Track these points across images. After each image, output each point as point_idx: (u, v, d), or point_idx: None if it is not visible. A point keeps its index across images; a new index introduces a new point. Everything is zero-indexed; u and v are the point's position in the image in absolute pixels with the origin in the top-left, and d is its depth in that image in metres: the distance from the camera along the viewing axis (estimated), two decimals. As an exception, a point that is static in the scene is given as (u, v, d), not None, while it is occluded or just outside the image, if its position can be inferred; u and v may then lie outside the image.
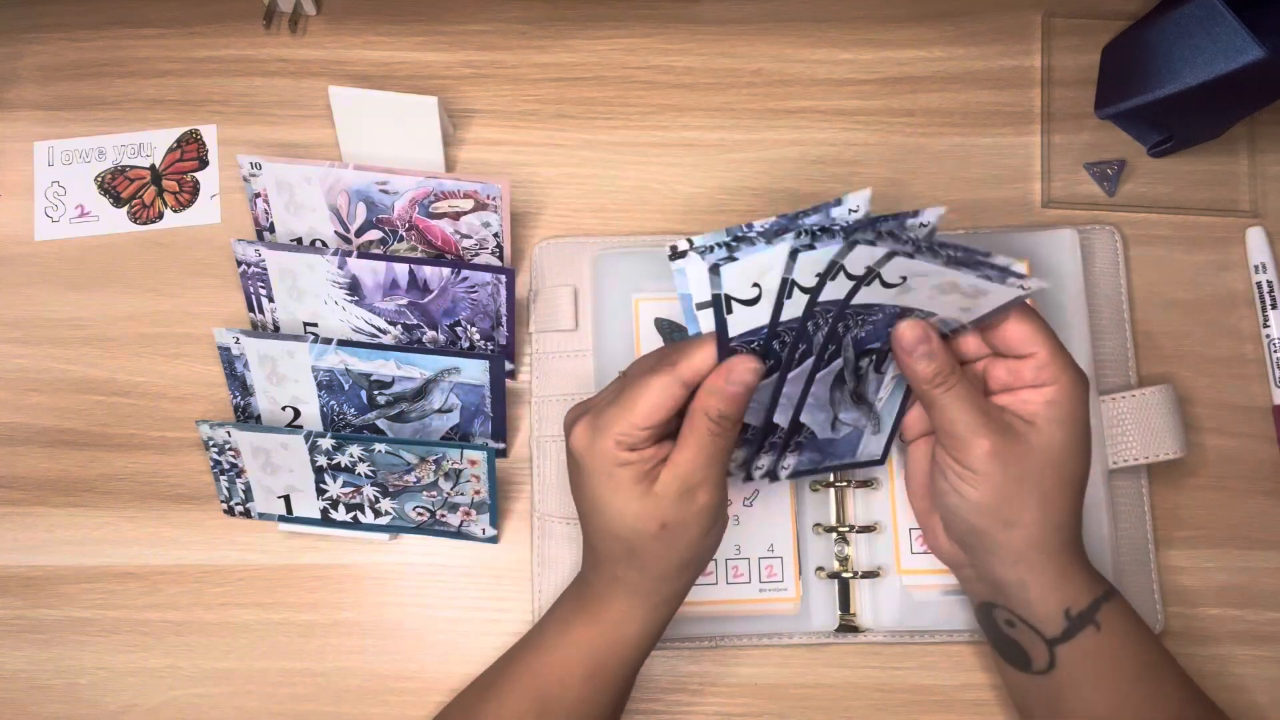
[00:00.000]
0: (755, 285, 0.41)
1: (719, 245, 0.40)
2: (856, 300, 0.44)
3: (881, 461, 0.52)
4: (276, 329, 0.56)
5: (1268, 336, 0.56)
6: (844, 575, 0.53)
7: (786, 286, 0.41)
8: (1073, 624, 0.45)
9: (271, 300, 0.56)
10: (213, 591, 0.56)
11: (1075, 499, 0.46)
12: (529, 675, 0.47)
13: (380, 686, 0.55)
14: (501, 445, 0.56)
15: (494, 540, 0.56)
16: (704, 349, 0.42)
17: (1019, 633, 0.46)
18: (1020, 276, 0.42)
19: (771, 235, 0.41)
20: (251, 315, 0.57)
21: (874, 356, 0.48)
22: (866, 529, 0.54)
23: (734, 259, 0.40)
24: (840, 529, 0.54)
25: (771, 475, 0.51)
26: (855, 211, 0.44)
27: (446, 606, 0.55)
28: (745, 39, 0.61)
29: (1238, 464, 0.56)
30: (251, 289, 0.56)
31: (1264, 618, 0.54)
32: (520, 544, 0.56)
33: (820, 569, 0.54)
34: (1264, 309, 0.57)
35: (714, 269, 0.40)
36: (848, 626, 0.53)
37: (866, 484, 0.54)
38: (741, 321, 0.42)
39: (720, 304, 0.41)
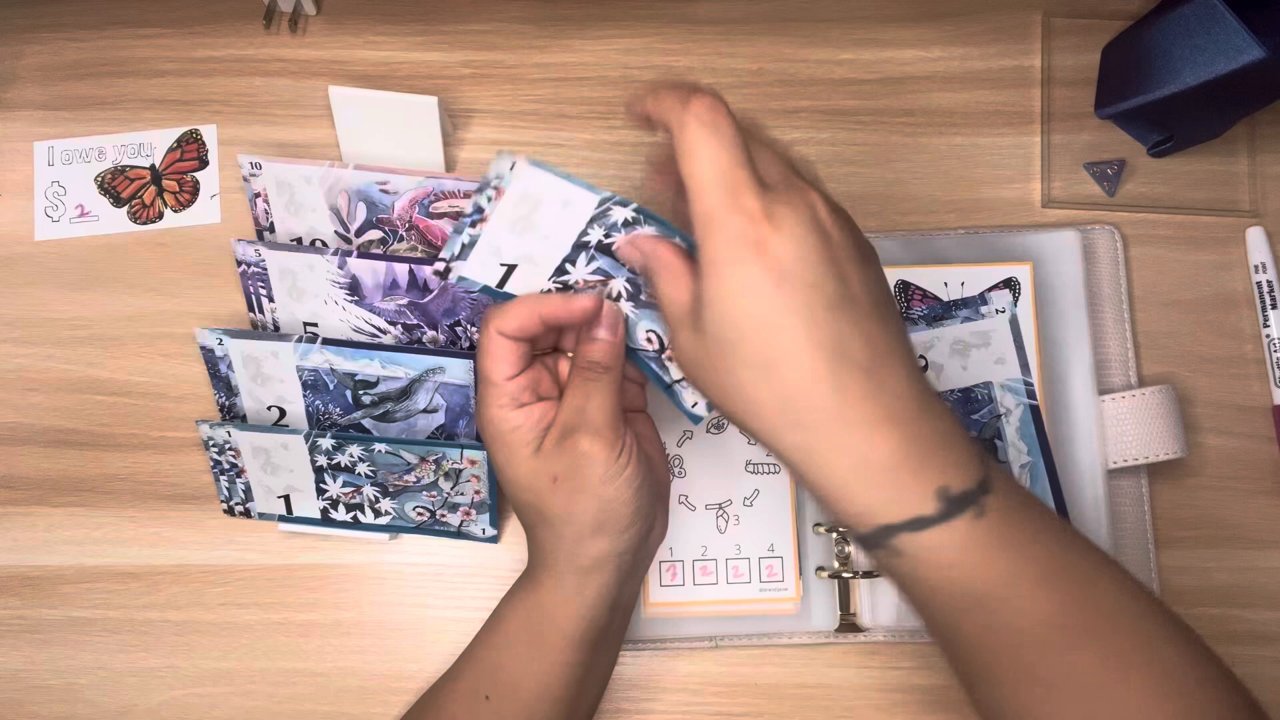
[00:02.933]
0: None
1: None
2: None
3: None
4: (277, 329, 0.56)
5: (1268, 336, 0.56)
6: (844, 575, 0.53)
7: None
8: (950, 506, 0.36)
9: (272, 300, 0.56)
10: (213, 591, 0.56)
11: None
12: (481, 649, 0.47)
13: (380, 686, 0.55)
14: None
15: (494, 540, 0.56)
16: (520, 308, 0.44)
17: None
18: (986, 302, 0.51)
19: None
20: (252, 315, 0.57)
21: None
22: (866, 529, 0.54)
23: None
24: (840, 529, 0.54)
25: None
26: (1002, 312, 0.54)
27: (446, 606, 0.55)
28: (745, 39, 0.61)
29: (1238, 464, 0.56)
30: (251, 289, 0.56)
31: (1264, 618, 0.54)
32: (520, 544, 0.56)
33: (820, 569, 0.54)
34: (1264, 309, 0.57)
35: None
36: (848, 626, 0.53)
37: (866, 484, 0.54)
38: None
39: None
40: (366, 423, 0.55)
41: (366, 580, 0.56)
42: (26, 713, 0.55)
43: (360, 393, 0.54)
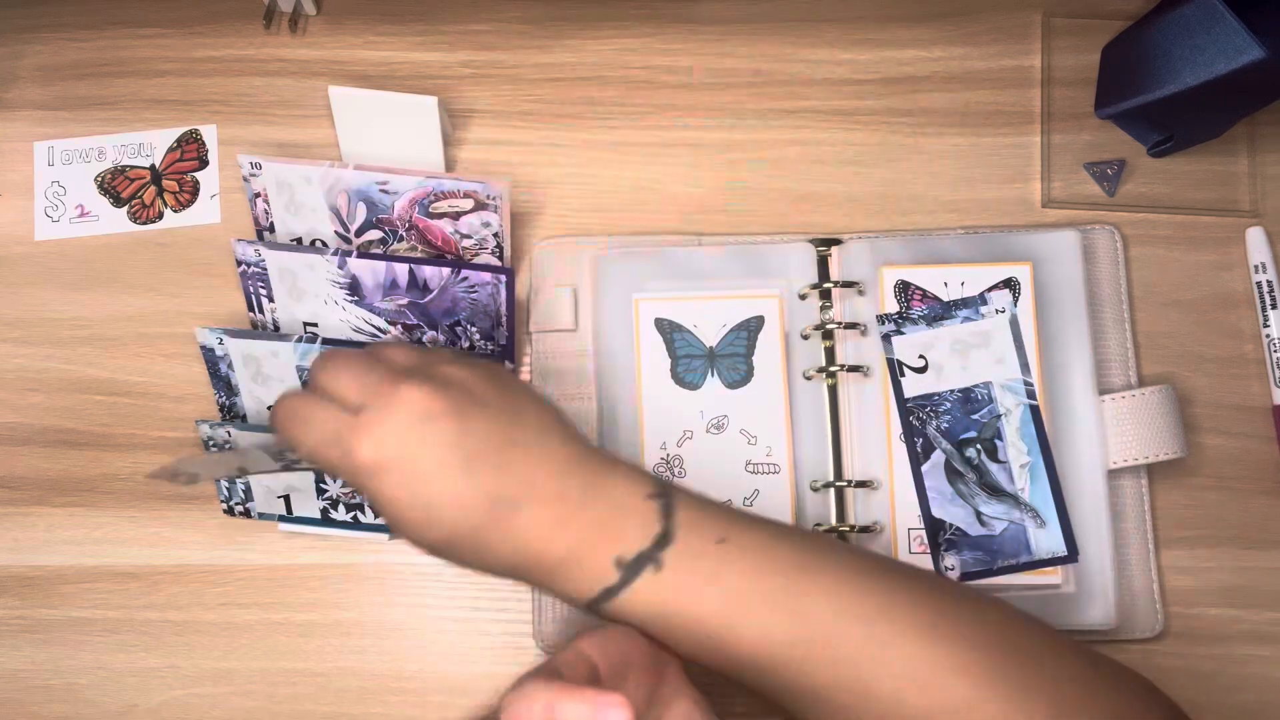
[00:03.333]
0: (921, 356, 0.53)
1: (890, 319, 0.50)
2: (911, 394, 0.53)
3: (1073, 558, 0.52)
4: (277, 329, 0.56)
5: (1268, 336, 0.56)
6: (844, 575, 0.53)
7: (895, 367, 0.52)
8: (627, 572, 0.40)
9: (271, 300, 0.56)
10: (213, 591, 0.56)
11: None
12: None
13: (380, 686, 0.55)
14: (501, 445, 0.56)
15: (494, 540, 0.56)
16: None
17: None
18: (986, 302, 0.50)
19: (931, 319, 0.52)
20: (251, 315, 0.57)
21: (979, 446, 0.50)
22: (866, 529, 0.54)
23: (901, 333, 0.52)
24: (840, 529, 0.54)
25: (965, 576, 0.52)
26: (1002, 312, 0.53)
27: (446, 606, 0.55)
28: (745, 39, 0.61)
29: (1238, 464, 0.56)
30: (251, 289, 0.56)
31: (1264, 618, 0.54)
32: (520, 544, 0.56)
33: (820, 569, 0.54)
34: (1264, 309, 0.57)
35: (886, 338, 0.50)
36: (848, 626, 0.53)
37: (866, 484, 0.54)
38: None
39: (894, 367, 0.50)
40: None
41: (366, 580, 0.56)
42: (26, 713, 0.55)
43: (360, 393, 0.54)
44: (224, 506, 0.56)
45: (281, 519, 0.56)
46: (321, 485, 0.54)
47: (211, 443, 0.54)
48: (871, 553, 0.44)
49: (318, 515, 0.55)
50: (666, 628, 0.41)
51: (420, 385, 0.40)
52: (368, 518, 0.55)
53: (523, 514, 0.40)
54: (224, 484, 0.55)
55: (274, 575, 0.56)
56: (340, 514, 0.55)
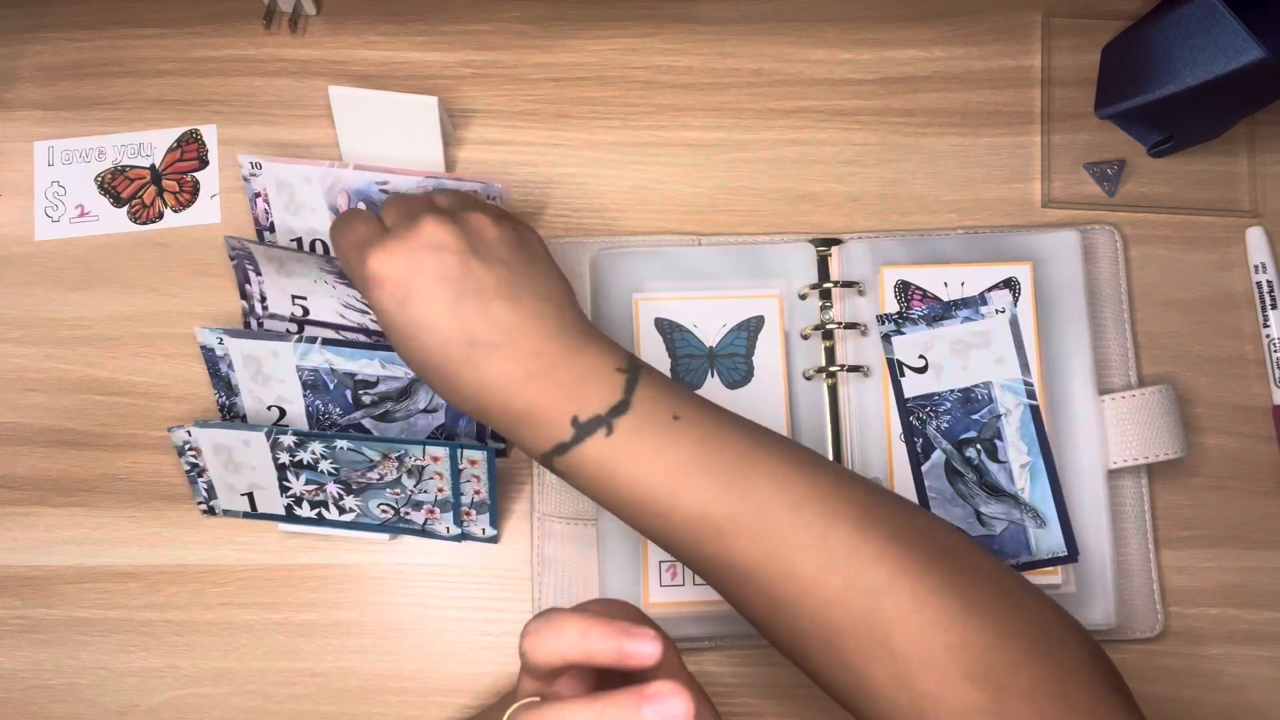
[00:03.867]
0: (921, 357, 0.53)
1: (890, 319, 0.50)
2: (911, 394, 0.53)
3: (1073, 558, 0.52)
4: (264, 301, 0.56)
5: (1268, 336, 0.56)
6: (844, 575, 0.53)
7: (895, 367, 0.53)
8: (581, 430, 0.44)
9: (259, 274, 0.55)
10: (213, 591, 0.56)
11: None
12: None
13: (380, 686, 0.55)
14: (502, 445, 0.56)
15: (494, 540, 0.56)
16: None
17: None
18: (986, 302, 0.50)
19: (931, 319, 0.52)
20: (243, 303, 0.57)
21: (979, 446, 0.50)
22: (866, 529, 0.54)
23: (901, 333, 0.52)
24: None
25: None
26: (1002, 312, 0.54)
27: (446, 606, 0.55)
28: (745, 39, 0.61)
29: (1238, 464, 0.56)
30: (239, 269, 0.55)
31: (1264, 618, 0.54)
32: (520, 544, 0.56)
33: (820, 569, 0.54)
34: (1264, 309, 0.57)
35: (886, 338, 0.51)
36: (848, 626, 0.53)
37: (866, 484, 0.54)
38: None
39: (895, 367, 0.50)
40: (367, 422, 0.55)
41: (366, 580, 0.56)
42: (26, 713, 0.55)
43: (360, 393, 0.54)
44: (203, 508, 0.56)
45: (282, 519, 0.56)
46: (284, 483, 0.54)
47: (188, 446, 0.54)
48: (816, 452, 0.46)
49: (282, 512, 0.55)
50: (610, 487, 0.44)
51: (443, 221, 0.44)
52: (332, 515, 0.55)
53: (494, 359, 0.44)
54: (202, 485, 0.55)
55: (274, 575, 0.56)
56: (305, 510, 0.55)
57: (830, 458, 0.55)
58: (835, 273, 0.56)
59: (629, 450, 0.43)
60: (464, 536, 0.55)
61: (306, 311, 0.53)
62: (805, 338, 0.56)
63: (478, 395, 0.44)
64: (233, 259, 0.55)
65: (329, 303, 0.56)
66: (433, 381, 0.46)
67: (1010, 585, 0.42)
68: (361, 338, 0.56)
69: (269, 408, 0.55)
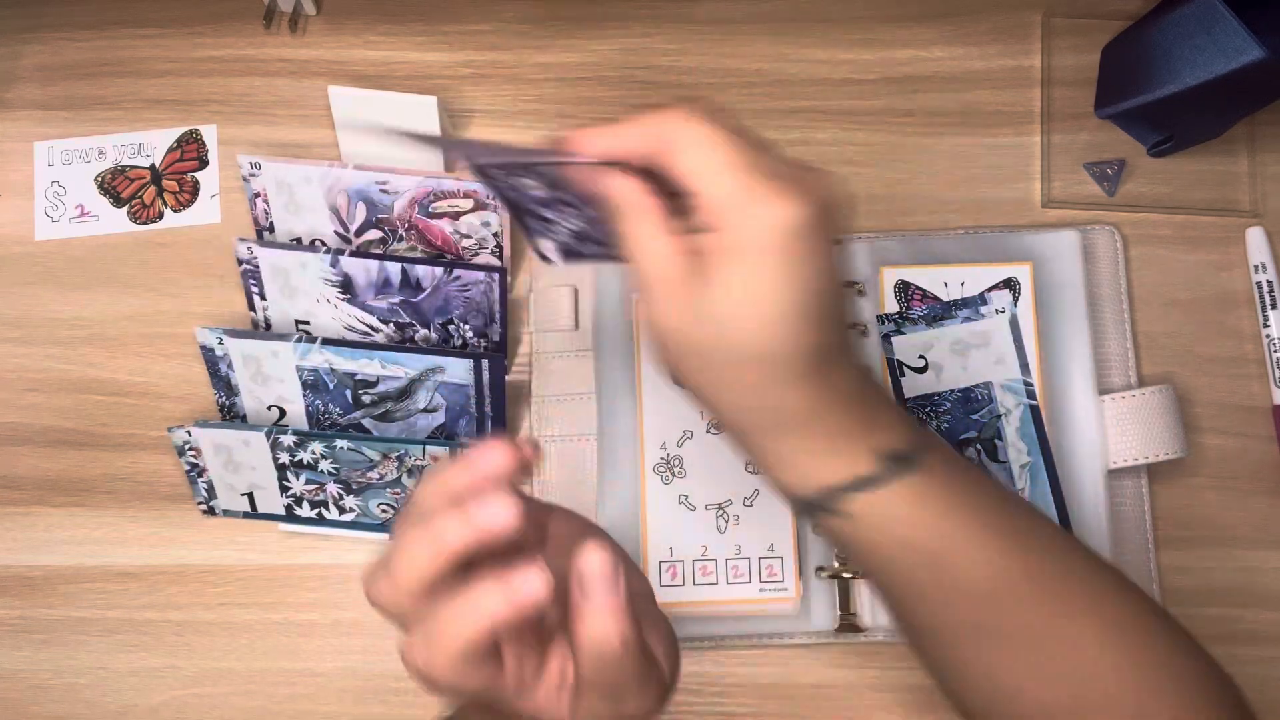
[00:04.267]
0: None
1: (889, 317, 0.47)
2: (911, 394, 0.52)
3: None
4: (269, 326, 0.56)
5: (1268, 336, 0.56)
6: (844, 575, 0.53)
7: None
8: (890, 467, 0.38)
9: (264, 298, 0.56)
10: (213, 591, 0.56)
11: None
12: None
13: (380, 686, 0.55)
14: (501, 445, 0.56)
15: (494, 540, 0.55)
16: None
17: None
18: (986, 302, 0.49)
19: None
20: (252, 315, 0.57)
21: (979, 446, 0.53)
22: (866, 529, 0.54)
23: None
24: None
25: (568, 253, 0.44)
26: (1002, 312, 0.53)
27: (446, 606, 0.55)
28: (745, 39, 0.61)
29: (1238, 464, 0.56)
30: (247, 287, 0.56)
31: (1264, 618, 0.54)
32: (520, 544, 0.56)
33: (821, 569, 0.54)
34: (1264, 309, 0.57)
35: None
36: (848, 626, 0.53)
37: (866, 484, 0.54)
38: None
39: None
40: (367, 422, 0.55)
41: (366, 580, 0.56)
42: (26, 713, 0.55)
43: (360, 392, 0.54)
44: (203, 508, 0.56)
45: (282, 519, 0.56)
46: (284, 483, 0.54)
47: (189, 446, 0.54)
48: (1081, 542, 0.44)
49: (282, 512, 0.55)
50: (887, 540, 0.39)
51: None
52: (332, 514, 0.55)
53: (820, 373, 0.37)
54: (202, 486, 0.55)
55: (274, 575, 0.56)
56: (305, 510, 0.55)
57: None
58: (835, 273, 0.56)
59: (935, 498, 0.39)
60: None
61: (301, 338, 0.53)
62: (805, 338, 0.56)
63: (775, 411, 0.37)
64: (242, 271, 0.55)
65: (331, 324, 0.56)
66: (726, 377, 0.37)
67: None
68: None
69: (269, 408, 0.55)
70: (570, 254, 0.43)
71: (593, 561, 0.33)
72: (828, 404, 0.37)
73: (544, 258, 0.43)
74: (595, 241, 0.42)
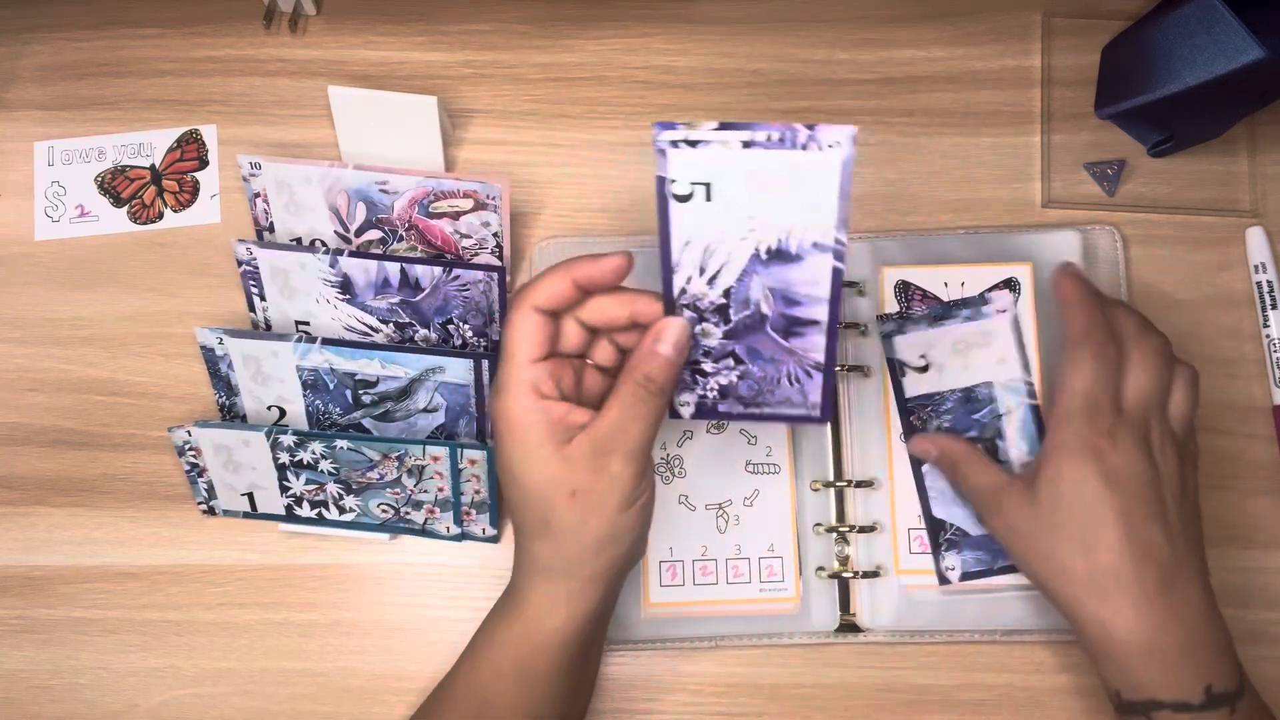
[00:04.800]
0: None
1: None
2: (912, 393, 0.53)
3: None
4: (269, 327, 0.56)
5: (1268, 336, 0.56)
6: (844, 575, 0.53)
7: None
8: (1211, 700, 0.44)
9: (264, 299, 0.56)
10: (213, 591, 0.56)
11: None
12: (464, 688, 0.46)
13: (380, 686, 0.55)
14: (501, 445, 0.56)
15: (495, 540, 0.56)
16: (552, 275, 0.42)
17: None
18: (988, 301, 0.50)
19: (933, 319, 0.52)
20: (252, 315, 0.57)
21: (980, 446, 0.53)
22: (866, 529, 0.54)
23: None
24: (840, 529, 0.54)
25: (701, 409, 0.47)
26: (1004, 311, 0.53)
27: (446, 606, 0.55)
28: (745, 39, 0.61)
29: (1238, 464, 0.56)
30: (248, 288, 0.56)
31: (1264, 618, 0.54)
32: (520, 544, 0.56)
33: (820, 569, 0.54)
34: (1264, 309, 0.57)
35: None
36: (848, 626, 0.53)
37: (866, 484, 0.54)
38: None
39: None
40: (367, 422, 0.55)
41: (366, 580, 0.56)
42: (27, 713, 0.55)
43: (360, 392, 0.54)
44: (203, 508, 0.56)
45: (282, 519, 0.56)
46: (284, 483, 0.54)
47: (188, 446, 0.54)
48: None
49: (282, 512, 0.55)
50: None
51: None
52: (332, 514, 0.55)
53: (1165, 581, 0.45)
54: (202, 486, 0.55)
55: (274, 575, 0.56)
56: (305, 510, 0.55)
57: (830, 458, 0.55)
58: (835, 273, 0.56)
59: None
60: (464, 536, 0.55)
61: (302, 338, 0.53)
62: (805, 338, 0.56)
63: (1122, 608, 0.45)
64: (243, 272, 0.55)
65: (331, 325, 0.56)
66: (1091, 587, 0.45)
67: None
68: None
69: (269, 408, 0.55)
70: (705, 411, 0.47)
71: (679, 324, 0.42)
72: (1160, 611, 0.44)
73: (675, 413, 0.47)
74: (740, 400, 0.46)
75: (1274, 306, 0.56)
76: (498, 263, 0.56)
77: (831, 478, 0.54)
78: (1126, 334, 0.47)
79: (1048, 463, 0.46)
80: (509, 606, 0.46)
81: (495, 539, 0.55)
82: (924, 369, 0.54)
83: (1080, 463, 0.45)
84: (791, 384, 0.45)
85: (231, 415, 0.56)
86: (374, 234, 0.56)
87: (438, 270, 0.54)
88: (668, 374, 0.42)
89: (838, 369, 0.55)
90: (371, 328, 0.56)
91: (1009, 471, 0.49)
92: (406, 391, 0.54)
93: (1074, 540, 0.45)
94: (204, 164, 0.60)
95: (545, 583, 0.44)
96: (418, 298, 0.55)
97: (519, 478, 0.42)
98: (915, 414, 0.54)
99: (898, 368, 0.54)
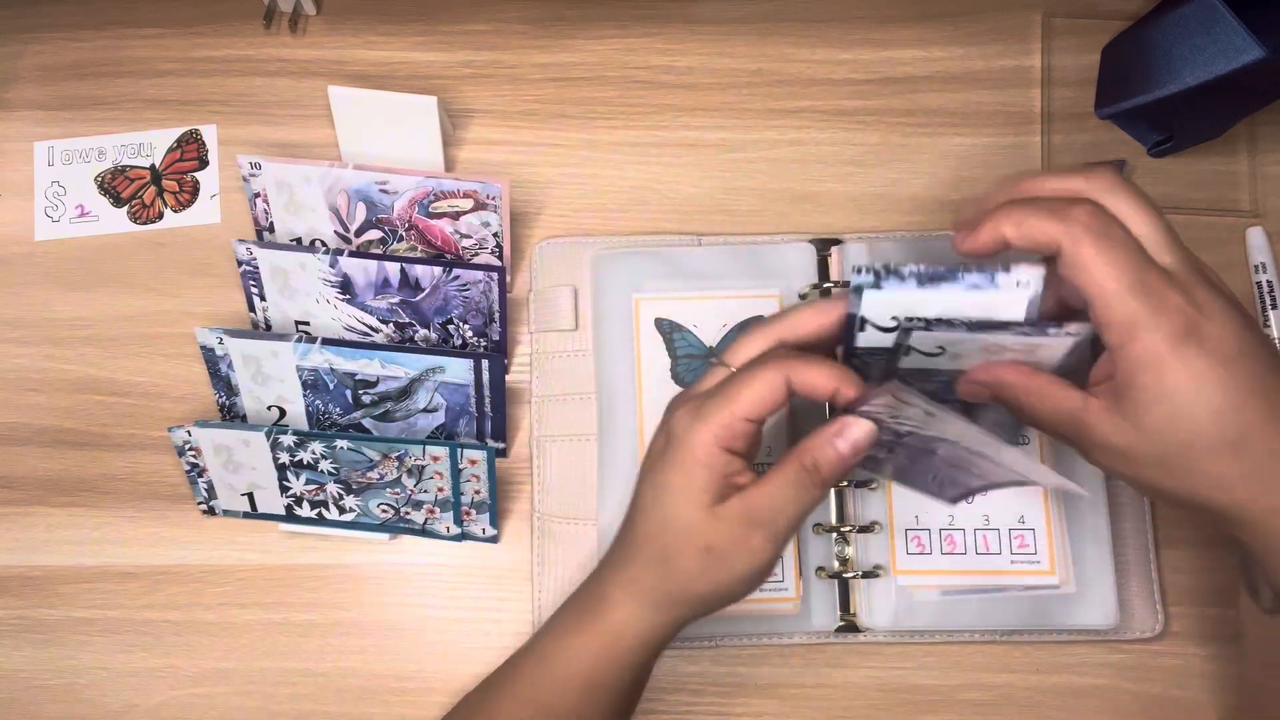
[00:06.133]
0: (893, 318, 0.41)
1: (869, 269, 0.40)
2: (905, 365, 0.44)
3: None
4: (269, 327, 0.56)
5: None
6: (844, 575, 0.53)
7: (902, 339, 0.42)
8: None
9: (264, 299, 0.56)
10: (213, 591, 0.56)
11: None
12: (527, 687, 0.46)
13: (380, 686, 0.55)
14: (501, 445, 0.56)
15: (494, 540, 0.56)
16: (808, 315, 0.42)
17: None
18: (1009, 270, 0.39)
19: (925, 279, 0.40)
20: (252, 315, 0.57)
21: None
22: (866, 529, 0.54)
23: (879, 288, 0.40)
24: (840, 529, 0.54)
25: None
26: (1024, 285, 0.41)
27: (446, 606, 0.55)
28: (745, 39, 0.61)
29: (1238, 464, 0.56)
30: (248, 288, 0.56)
31: (1264, 618, 0.54)
32: (520, 544, 0.56)
33: (820, 569, 0.54)
34: (1264, 309, 0.57)
35: (857, 289, 0.40)
36: (848, 626, 0.53)
37: (866, 484, 0.54)
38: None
39: (854, 322, 0.41)
40: (367, 422, 0.55)
41: (366, 580, 0.56)
42: (27, 713, 0.55)
43: (360, 392, 0.54)
44: (203, 508, 0.56)
45: (282, 519, 0.56)
46: (284, 483, 0.54)
47: (188, 446, 0.54)
48: None
49: (282, 512, 0.55)
50: None
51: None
52: (332, 514, 0.55)
53: None
54: (202, 486, 0.55)
55: (274, 575, 0.56)
56: (305, 510, 0.55)
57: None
58: (835, 273, 0.56)
59: None
60: (464, 536, 0.55)
61: (302, 338, 0.53)
62: (805, 338, 0.55)
63: None
64: (242, 272, 0.55)
65: (331, 325, 0.56)
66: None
67: None
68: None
69: (269, 408, 0.55)
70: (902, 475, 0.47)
71: (866, 428, 0.41)
72: None
73: None
74: (925, 471, 0.45)
75: (1274, 306, 0.56)
76: (498, 263, 0.56)
77: (831, 478, 0.54)
78: (1098, 197, 0.39)
79: (1139, 380, 0.38)
80: (588, 617, 0.45)
81: (495, 539, 0.55)
82: (891, 330, 0.42)
83: (1181, 361, 0.37)
84: (931, 482, 0.46)
85: (231, 415, 0.56)
86: (374, 234, 0.56)
87: (438, 270, 0.54)
88: (836, 470, 0.41)
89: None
90: (371, 328, 0.56)
91: (1079, 388, 0.41)
92: (406, 391, 0.54)
93: (1217, 449, 0.38)
94: (204, 164, 0.60)
95: (637, 606, 0.43)
96: (418, 298, 0.55)
97: (664, 507, 0.42)
98: (858, 357, 0.44)
99: (856, 322, 0.42)
